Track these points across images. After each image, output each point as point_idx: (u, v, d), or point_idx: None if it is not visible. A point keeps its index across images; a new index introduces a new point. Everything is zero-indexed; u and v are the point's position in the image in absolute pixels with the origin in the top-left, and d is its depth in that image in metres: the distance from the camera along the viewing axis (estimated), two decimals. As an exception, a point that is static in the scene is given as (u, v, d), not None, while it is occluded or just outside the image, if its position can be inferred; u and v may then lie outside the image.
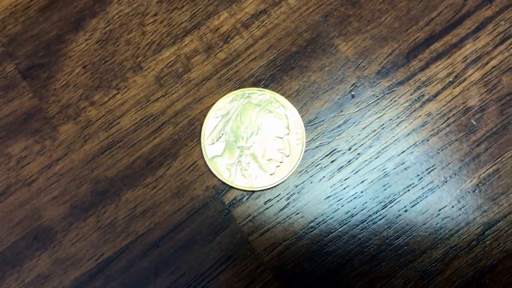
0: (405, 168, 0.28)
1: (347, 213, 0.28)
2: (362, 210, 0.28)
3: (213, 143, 0.29)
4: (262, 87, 0.29)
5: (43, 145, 0.29)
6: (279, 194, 0.28)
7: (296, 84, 0.29)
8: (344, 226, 0.28)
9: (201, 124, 0.29)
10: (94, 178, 0.28)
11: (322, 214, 0.28)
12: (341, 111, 0.29)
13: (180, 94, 0.29)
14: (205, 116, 0.29)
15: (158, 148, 0.29)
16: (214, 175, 0.28)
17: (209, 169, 0.28)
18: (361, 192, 0.28)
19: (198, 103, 0.29)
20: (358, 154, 0.29)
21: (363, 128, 0.29)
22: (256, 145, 0.28)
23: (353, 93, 0.29)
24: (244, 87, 0.29)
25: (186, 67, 0.29)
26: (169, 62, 0.30)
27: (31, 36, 0.30)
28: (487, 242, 0.28)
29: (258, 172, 0.28)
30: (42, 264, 0.28)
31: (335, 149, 0.29)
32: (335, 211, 0.28)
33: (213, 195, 0.28)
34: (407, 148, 0.29)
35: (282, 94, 0.29)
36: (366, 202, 0.28)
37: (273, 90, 0.29)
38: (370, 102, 0.29)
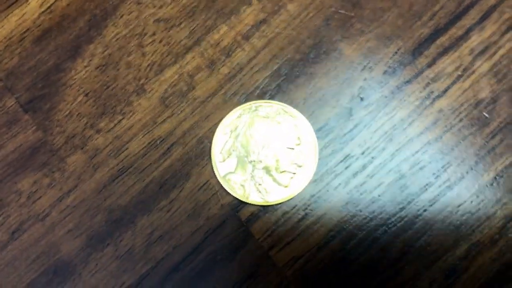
0: (420, 168, 0.28)
1: (366, 218, 0.28)
2: (381, 214, 0.28)
3: (224, 160, 0.28)
4: (269, 98, 0.29)
5: (52, 178, 0.28)
6: (296, 206, 0.28)
7: (302, 92, 0.29)
8: (364, 232, 0.28)
9: (210, 142, 0.28)
10: (107, 207, 0.28)
11: (341, 222, 0.28)
12: (351, 115, 0.29)
13: (186, 113, 0.29)
14: (213, 133, 0.28)
15: (169, 170, 0.28)
16: (228, 193, 0.28)
17: (222, 187, 0.28)
18: (379, 196, 0.28)
19: (206, 120, 0.29)
20: (372, 157, 0.28)
21: (374, 131, 0.28)
22: (268, 159, 0.28)
23: (361, 96, 0.29)
24: (250, 100, 0.29)
25: (190, 85, 0.29)
26: (173, 82, 0.29)
27: (28, 68, 0.29)
28: (510, 235, 0.27)
29: (272, 186, 0.28)
30: (65, 299, 0.28)
31: (348, 155, 0.28)
32: (354, 218, 0.28)
33: (229, 212, 0.28)
34: (421, 147, 0.28)
35: (290, 104, 0.29)
36: (384, 206, 0.28)
37: (280, 101, 0.29)
38: (380, 104, 0.29)
